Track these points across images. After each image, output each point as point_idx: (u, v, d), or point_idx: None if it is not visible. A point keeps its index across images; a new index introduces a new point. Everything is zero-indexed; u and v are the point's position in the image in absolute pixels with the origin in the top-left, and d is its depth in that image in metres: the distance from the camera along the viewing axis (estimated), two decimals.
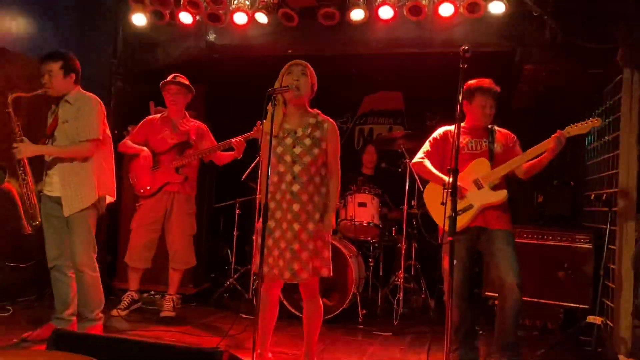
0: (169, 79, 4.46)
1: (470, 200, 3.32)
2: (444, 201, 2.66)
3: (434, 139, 3.53)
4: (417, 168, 3.55)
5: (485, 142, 3.45)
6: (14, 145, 3.41)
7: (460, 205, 3.20)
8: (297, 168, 2.93)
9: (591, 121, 3.18)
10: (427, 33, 4.63)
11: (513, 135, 3.55)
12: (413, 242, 5.10)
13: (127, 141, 4.45)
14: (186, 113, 4.56)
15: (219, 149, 4.40)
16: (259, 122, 3.90)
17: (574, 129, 3.21)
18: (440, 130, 3.54)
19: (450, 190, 2.59)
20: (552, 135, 3.18)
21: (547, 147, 3.19)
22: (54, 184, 3.51)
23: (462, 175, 3.24)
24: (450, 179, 2.63)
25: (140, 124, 4.54)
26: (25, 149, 3.42)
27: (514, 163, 3.30)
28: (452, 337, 3.24)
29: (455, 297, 3.19)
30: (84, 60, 5.25)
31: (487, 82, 3.44)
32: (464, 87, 3.23)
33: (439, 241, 3.40)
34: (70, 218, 3.46)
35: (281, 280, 2.99)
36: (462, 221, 3.23)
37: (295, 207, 2.91)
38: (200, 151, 4.40)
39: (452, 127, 3.45)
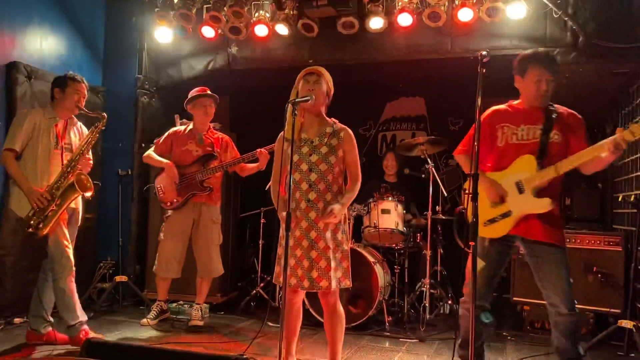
0: (197, 92, 4.48)
1: (510, 205, 2.91)
2: (465, 207, 2.52)
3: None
4: (460, 163, 3.23)
5: (539, 129, 2.92)
6: (90, 158, 3.81)
7: (499, 210, 2.93)
8: (313, 176, 2.96)
9: None
10: (447, 38, 4.63)
11: (579, 117, 2.97)
12: (438, 248, 5.08)
13: (152, 153, 4.53)
14: (210, 125, 4.64)
15: (242, 161, 4.45)
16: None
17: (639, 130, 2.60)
18: (486, 112, 3.06)
19: (470, 194, 2.40)
20: (612, 137, 2.67)
21: (603, 150, 2.70)
22: None
23: (505, 173, 2.95)
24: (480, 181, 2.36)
25: (165, 135, 4.61)
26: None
27: (561, 167, 2.81)
28: (459, 347, 3.04)
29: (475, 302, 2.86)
30: (111, 77, 5.49)
31: (542, 51, 3.00)
32: (516, 59, 2.99)
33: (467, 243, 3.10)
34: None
35: (300, 290, 3.01)
36: (500, 229, 2.93)
37: (312, 215, 2.94)
38: (224, 164, 4.46)
39: (502, 107, 3.08)
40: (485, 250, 2.93)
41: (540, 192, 2.87)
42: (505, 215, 2.91)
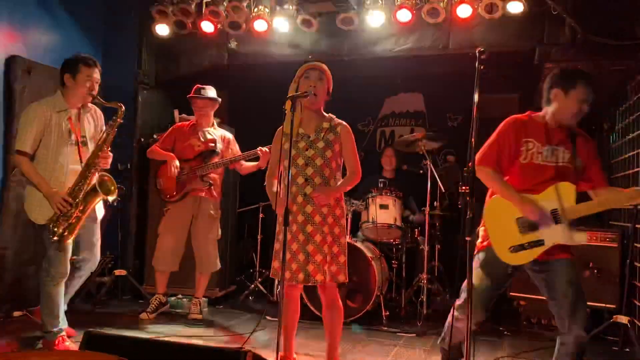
0: (193, 93, 4.49)
1: (543, 234, 2.62)
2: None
3: (500, 134, 2.75)
4: (482, 178, 2.75)
5: (565, 152, 2.69)
6: (110, 154, 3.48)
7: (529, 237, 2.62)
8: (309, 170, 2.97)
9: None
10: (446, 35, 4.65)
11: (593, 141, 2.81)
12: (436, 243, 5.10)
13: (156, 147, 4.54)
14: (214, 122, 4.66)
15: (243, 159, 4.46)
16: None
17: None
18: (510, 120, 2.77)
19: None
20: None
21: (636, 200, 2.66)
22: None
23: (540, 198, 2.65)
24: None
25: (168, 131, 4.64)
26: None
27: (606, 204, 2.71)
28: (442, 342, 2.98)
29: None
30: (110, 71, 5.47)
31: (587, 72, 2.72)
32: (558, 70, 2.73)
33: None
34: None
35: (296, 284, 3.03)
36: (524, 257, 2.65)
37: (308, 209, 2.95)
38: (224, 160, 4.48)
39: (524, 117, 2.78)
40: (500, 272, 2.73)
41: (573, 222, 2.62)
42: (536, 244, 2.63)
